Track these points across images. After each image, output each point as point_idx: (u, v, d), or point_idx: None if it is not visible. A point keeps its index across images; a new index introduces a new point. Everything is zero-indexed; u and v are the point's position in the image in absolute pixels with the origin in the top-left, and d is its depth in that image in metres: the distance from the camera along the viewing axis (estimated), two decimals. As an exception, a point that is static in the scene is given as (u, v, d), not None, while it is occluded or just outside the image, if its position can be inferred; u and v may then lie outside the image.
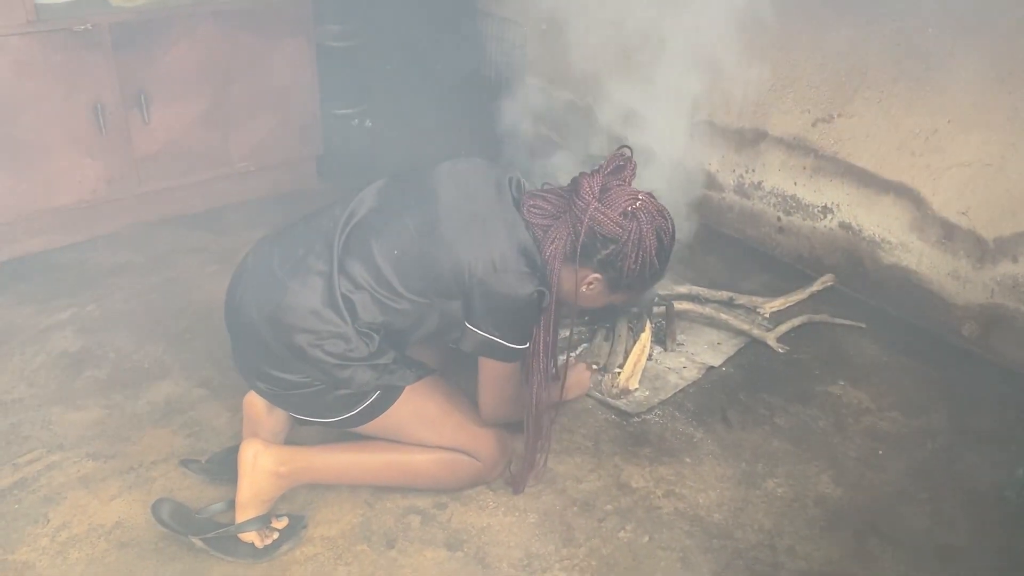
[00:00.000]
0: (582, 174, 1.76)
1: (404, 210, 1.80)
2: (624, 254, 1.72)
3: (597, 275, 1.78)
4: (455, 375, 2.04)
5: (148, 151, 2.99)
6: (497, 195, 1.80)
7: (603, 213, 1.69)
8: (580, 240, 1.71)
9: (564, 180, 1.87)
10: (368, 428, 1.87)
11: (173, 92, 2.97)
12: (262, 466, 1.83)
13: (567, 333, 2.39)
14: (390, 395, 1.82)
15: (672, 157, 3.26)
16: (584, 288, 1.80)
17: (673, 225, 1.79)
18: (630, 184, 1.76)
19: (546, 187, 1.86)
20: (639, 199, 1.72)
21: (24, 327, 2.58)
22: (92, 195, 2.92)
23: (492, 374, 1.84)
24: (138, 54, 2.86)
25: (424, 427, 1.88)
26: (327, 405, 1.81)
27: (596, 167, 1.76)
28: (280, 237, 1.88)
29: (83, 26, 2.71)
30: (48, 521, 1.91)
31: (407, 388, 1.83)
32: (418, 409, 1.86)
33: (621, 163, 1.76)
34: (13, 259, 2.87)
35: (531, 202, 1.79)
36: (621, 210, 1.70)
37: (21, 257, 2.88)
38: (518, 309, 1.73)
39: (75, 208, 2.92)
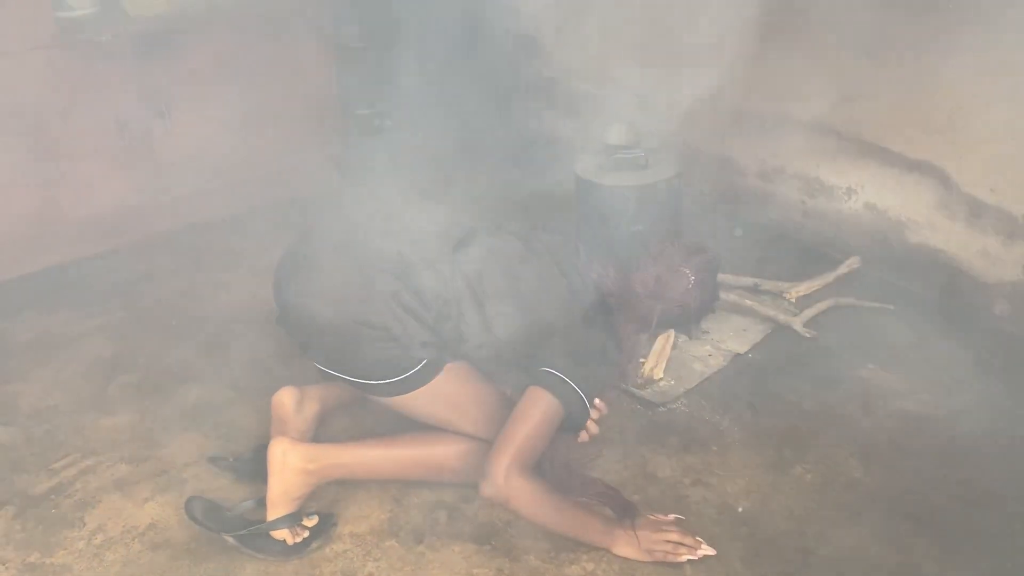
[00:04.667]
0: (634, 272, 1.94)
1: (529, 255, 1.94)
2: (686, 314, 1.98)
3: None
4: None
5: (172, 158, 3.04)
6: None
7: (666, 305, 1.91)
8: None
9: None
10: (402, 401, 1.86)
11: (194, 99, 3.01)
12: (291, 463, 1.85)
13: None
14: (431, 369, 1.83)
15: (692, 144, 3.25)
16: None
17: (713, 256, 2.01)
18: (674, 260, 1.94)
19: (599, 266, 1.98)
20: (691, 280, 1.92)
21: (57, 335, 2.63)
22: (118, 204, 2.97)
23: (540, 408, 1.80)
24: (158, 63, 2.90)
25: (455, 411, 1.89)
26: (373, 363, 1.81)
27: (640, 260, 1.95)
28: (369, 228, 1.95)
29: (103, 37, 2.75)
30: (84, 524, 1.95)
31: (448, 366, 1.85)
32: (453, 391, 1.87)
33: (663, 249, 1.96)
34: (43, 269, 2.92)
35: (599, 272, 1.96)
36: (679, 293, 1.91)
37: (51, 267, 2.94)
38: (599, 358, 1.86)
39: (102, 217, 2.97)
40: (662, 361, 2.38)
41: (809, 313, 2.58)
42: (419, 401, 1.86)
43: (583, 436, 1.92)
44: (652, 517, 1.87)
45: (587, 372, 1.83)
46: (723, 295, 2.62)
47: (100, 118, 2.84)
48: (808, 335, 2.52)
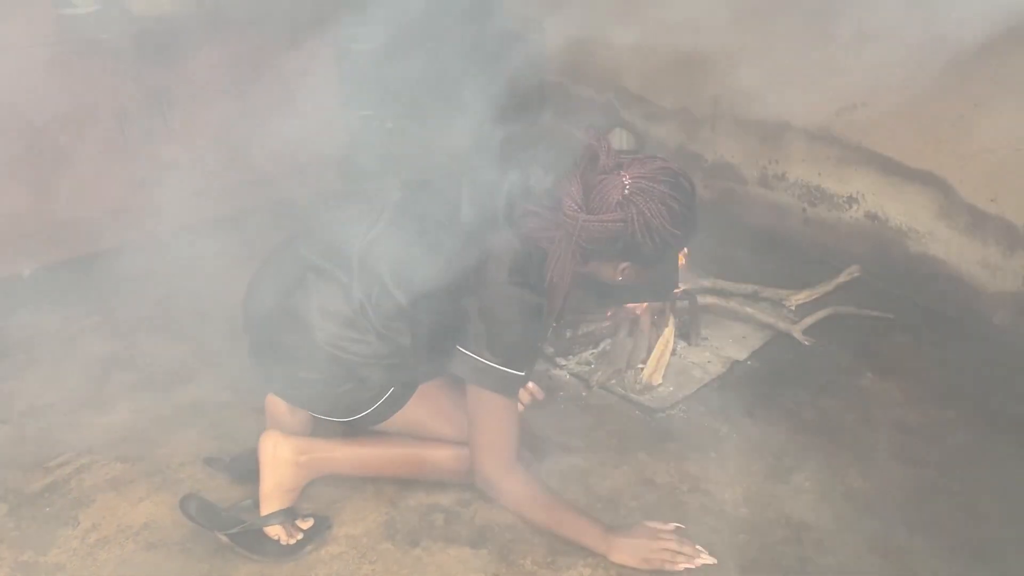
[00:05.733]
0: (558, 183, 1.68)
1: (415, 226, 1.78)
2: (637, 241, 1.63)
3: (624, 264, 1.70)
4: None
5: (172, 157, 3.03)
6: (503, 208, 1.74)
7: (594, 222, 1.60)
8: (585, 251, 1.65)
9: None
10: (386, 426, 1.87)
11: (195, 99, 3.01)
12: (282, 456, 1.84)
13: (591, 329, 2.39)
14: (405, 392, 1.82)
15: (692, 150, 3.25)
16: (620, 277, 1.73)
17: (681, 178, 1.66)
18: (613, 169, 1.63)
19: (535, 199, 1.74)
20: (626, 184, 1.60)
21: (54, 333, 2.62)
22: (117, 202, 2.96)
23: (486, 408, 1.73)
24: (160, 62, 2.90)
25: (442, 422, 1.88)
26: (343, 402, 1.82)
27: (572, 166, 1.67)
28: (301, 239, 1.89)
29: (106, 35, 2.75)
30: (78, 523, 1.94)
31: (421, 385, 1.83)
32: (434, 404, 1.86)
33: (593, 154, 1.64)
34: (42, 267, 2.92)
35: (528, 216, 1.70)
36: (612, 206, 1.60)
37: (50, 265, 2.93)
38: (516, 323, 1.69)
39: (101, 215, 2.96)
40: (661, 367, 2.37)
41: (808, 321, 2.58)
42: (404, 419, 1.86)
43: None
44: (650, 525, 1.85)
45: (511, 342, 1.69)
46: (722, 302, 2.63)
47: (100, 117, 2.84)
48: (807, 343, 2.51)
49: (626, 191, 1.61)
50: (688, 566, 1.78)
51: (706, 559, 1.80)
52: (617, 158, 1.65)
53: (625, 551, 1.79)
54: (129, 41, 2.80)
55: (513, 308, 1.69)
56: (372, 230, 1.81)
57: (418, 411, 1.85)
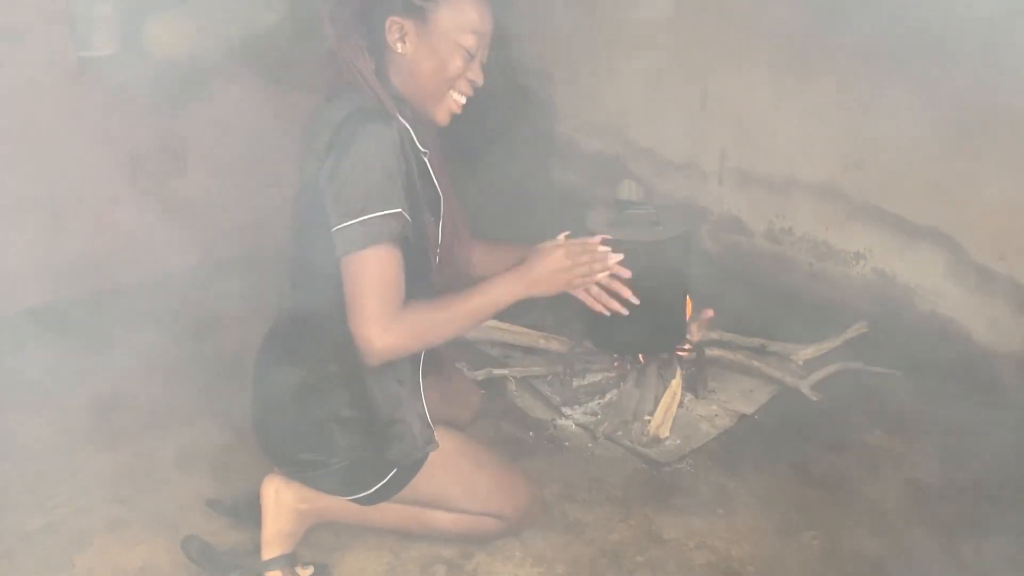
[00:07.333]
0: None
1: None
2: None
3: (395, 19, 1.58)
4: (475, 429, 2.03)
5: (183, 199, 3.05)
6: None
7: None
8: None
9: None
10: (401, 496, 1.80)
11: (208, 143, 3.04)
12: (284, 501, 1.81)
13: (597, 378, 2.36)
14: (407, 472, 1.76)
15: (700, 203, 3.27)
16: (400, 49, 1.60)
17: None
18: None
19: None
20: None
21: (57, 372, 2.61)
22: (127, 242, 2.98)
23: (358, 271, 1.52)
24: (175, 105, 2.93)
25: (454, 496, 1.83)
26: (339, 483, 1.78)
27: None
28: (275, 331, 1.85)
29: (124, 77, 2.79)
30: (73, 566, 1.91)
31: (431, 456, 1.77)
32: (445, 478, 1.80)
33: None
34: (49, 304, 2.92)
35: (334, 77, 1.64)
36: None
37: (56, 303, 2.93)
38: (358, 161, 1.52)
39: (111, 253, 2.98)
40: (668, 419, 2.35)
41: (817, 376, 2.56)
42: (417, 492, 1.80)
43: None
44: (561, 241, 1.73)
45: (362, 183, 1.52)
46: (730, 355, 2.62)
47: (115, 156, 2.87)
48: (815, 398, 2.49)
49: None
50: (604, 273, 1.72)
51: (614, 257, 1.72)
52: None
53: (542, 282, 1.66)
54: (146, 83, 2.84)
55: (349, 149, 1.53)
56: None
57: (431, 486, 1.79)
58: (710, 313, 2.56)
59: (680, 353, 2.54)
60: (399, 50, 1.62)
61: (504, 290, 1.66)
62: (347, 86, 1.64)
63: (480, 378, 2.56)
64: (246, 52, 3.06)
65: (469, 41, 1.62)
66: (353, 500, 1.80)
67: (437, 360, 1.85)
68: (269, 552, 1.81)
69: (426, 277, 1.71)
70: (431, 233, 1.70)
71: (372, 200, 1.52)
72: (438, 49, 1.61)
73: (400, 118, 1.62)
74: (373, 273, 1.52)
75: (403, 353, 1.59)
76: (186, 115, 2.96)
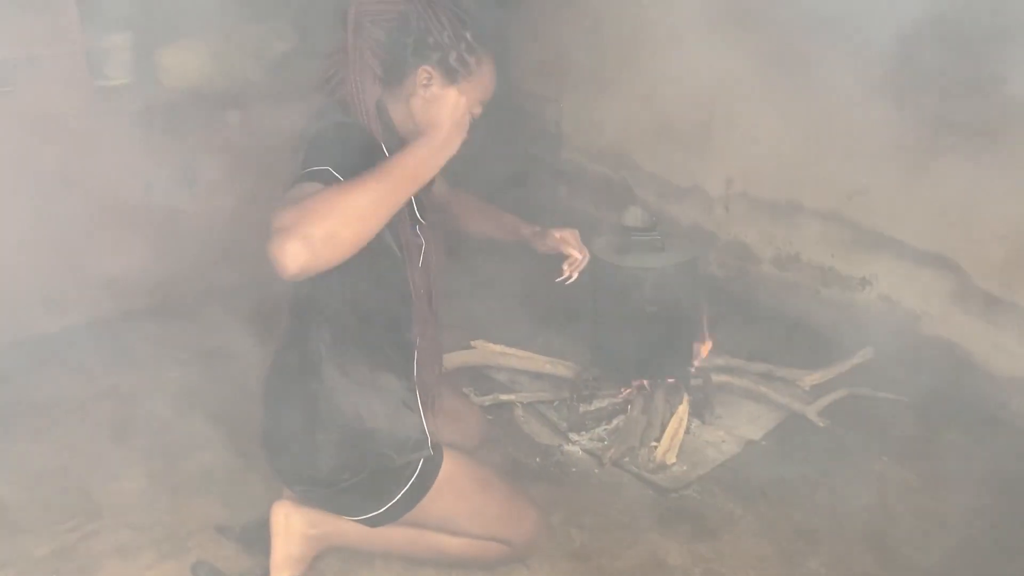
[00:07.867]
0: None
1: None
2: (424, 25, 1.58)
3: (425, 68, 1.61)
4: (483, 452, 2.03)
5: (197, 225, 3.09)
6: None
7: (370, 3, 1.57)
8: (375, 47, 1.58)
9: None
10: (409, 518, 1.82)
11: (221, 167, 3.07)
12: (293, 526, 1.83)
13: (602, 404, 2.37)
14: (422, 485, 1.79)
15: (706, 229, 3.29)
16: (423, 92, 1.62)
17: None
18: None
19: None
20: None
21: (69, 397, 2.64)
22: (139, 267, 3.01)
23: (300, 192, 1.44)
24: (190, 132, 2.98)
25: (461, 519, 1.85)
26: (359, 501, 1.80)
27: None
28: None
29: (137, 106, 2.84)
30: (84, 591, 1.93)
31: (438, 478, 1.79)
32: (453, 500, 1.82)
33: None
34: (63, 329, 2.94)
35: (324, 81, 1.66)
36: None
37: (71, 327, 2.96)
38: (319, 135, 1.58)
39: (122, 280, 3.01)
40: (675, 445, 2.36)
41: (823, 401, 2.57)
42: (425, 513, 1.81)
43: None
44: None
45: (315, 145, 1.56)
46: (736, 381, 2.63)
47: (128, 183, 2.90)
48: (822, 424, 2.50)
49: None
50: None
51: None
52: None
53: (446, 130, 1.48)
54: (159, 112, 2.88)
55: (319, 134, 1.59)
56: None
57: (440, 508, 1.81)
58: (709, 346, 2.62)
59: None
60: (420, 94, 1.63)
61: (419, 155, 1.46)
62: (335, 104, 1.65)
63: (487, 403, 2.58)
64: (259, 79, 3.11)
65: (478, 110, 1.70)
66: (361, 521, 1.81)
67: (434, 357, 1.88)
68: (277, 576, 1.83)
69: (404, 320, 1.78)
70: (403, 271, 1.71)
71: (317, 150, 1.54)
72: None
73: (383, 147, 1.63)
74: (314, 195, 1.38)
75: (317, 241, 1.31)
76: (199, 142, 3.00)
